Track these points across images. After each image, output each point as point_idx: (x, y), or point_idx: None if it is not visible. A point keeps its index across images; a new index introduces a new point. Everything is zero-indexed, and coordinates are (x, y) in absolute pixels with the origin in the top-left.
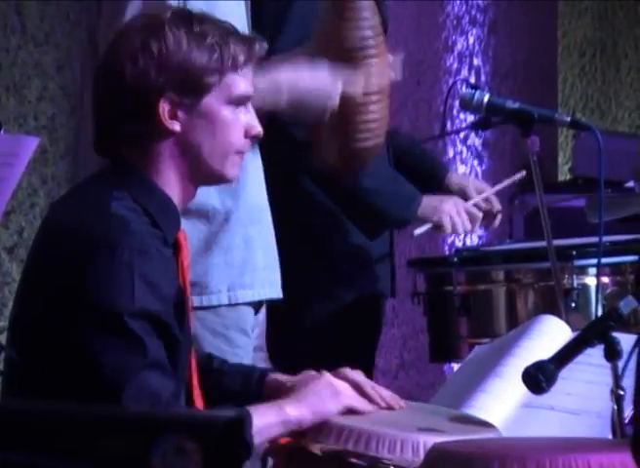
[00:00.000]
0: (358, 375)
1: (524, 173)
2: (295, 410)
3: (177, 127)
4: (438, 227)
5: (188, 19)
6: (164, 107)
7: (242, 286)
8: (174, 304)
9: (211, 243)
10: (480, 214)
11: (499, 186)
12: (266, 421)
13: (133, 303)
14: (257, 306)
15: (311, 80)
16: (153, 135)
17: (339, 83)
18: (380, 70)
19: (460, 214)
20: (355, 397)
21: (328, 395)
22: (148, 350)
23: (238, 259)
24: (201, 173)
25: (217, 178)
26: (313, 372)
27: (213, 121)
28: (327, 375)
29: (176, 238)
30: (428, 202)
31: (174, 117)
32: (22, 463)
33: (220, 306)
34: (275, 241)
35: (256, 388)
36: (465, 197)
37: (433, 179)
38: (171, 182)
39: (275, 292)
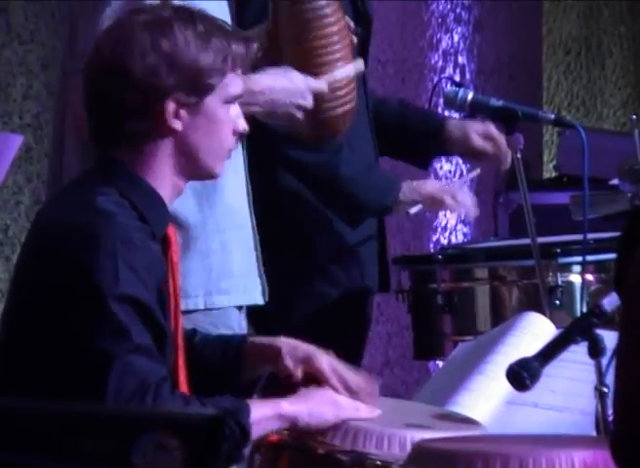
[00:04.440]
0: (327, 362)
1: (478, 170)
2: (291, 407)
3: (179, 126)
4: (433, 203)
5: (192, 18)
6: (170, 106)
7: (218, 291)
8: (156, 296)
9: (188, 248)
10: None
11: (462, 180)
12: (261, 414)
13: (116, 288)
14: (239, 307)
15: (286, 83)
16: (153, 133)
17: (310, 84)
18: (343, 38)
19: (445, 193)
20: (354, 410)
21: (327, 402)
22: (133, 335)
23: (216, 264)
24: (195, 170)
25: (207, 176)
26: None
27: (212, 121)
28: (329, 390)
29: (165, 233)
30: (409, 185)
31: (176, 116)
32: (1, 461)
33: (196, 311)
34: (257, 244)
35: (235, 354)
36: (468, 142)
37: (432, 133)
38: (163, 179)
39: (252, 298)
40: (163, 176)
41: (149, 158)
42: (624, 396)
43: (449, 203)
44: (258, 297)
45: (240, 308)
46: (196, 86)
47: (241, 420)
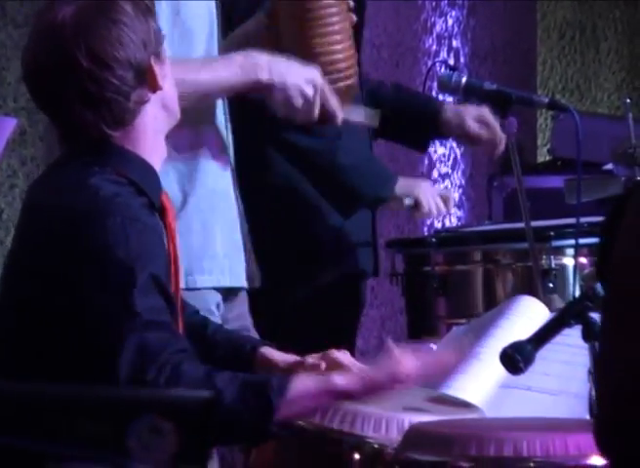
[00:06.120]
0: (345, 357)
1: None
2: (342, 379)
3: (161, 81)
4: (416, 206)
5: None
6: (154, 66)
7: (201, 271)
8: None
9: None
10: (452, 195)
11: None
12: (305, 389)
13: (133, 265)
14: (225, 292)
15: (286, 64)
16: (145, 98)
17: (316, 74)
18: (343, 18)
19: (435, 196)
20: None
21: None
22: (149, 311)
23: (197, 244)
24: (171, 121)
25: (176, 120)
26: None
27: (167, 65)
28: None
29: (160, 201)
30: (405, 182)
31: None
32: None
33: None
34: (245, 230)
35: (245, 361)
36: (463, 127)
37: (429, 117)
38: (152, 146)
39: (238, 280)
40: (151, 143)
41: (138, 128)
42: (606, 379)
43: (432, 211)
44: (244, 281)
45: (227, 295)
46: (157, 40)
47: (268, 394)
